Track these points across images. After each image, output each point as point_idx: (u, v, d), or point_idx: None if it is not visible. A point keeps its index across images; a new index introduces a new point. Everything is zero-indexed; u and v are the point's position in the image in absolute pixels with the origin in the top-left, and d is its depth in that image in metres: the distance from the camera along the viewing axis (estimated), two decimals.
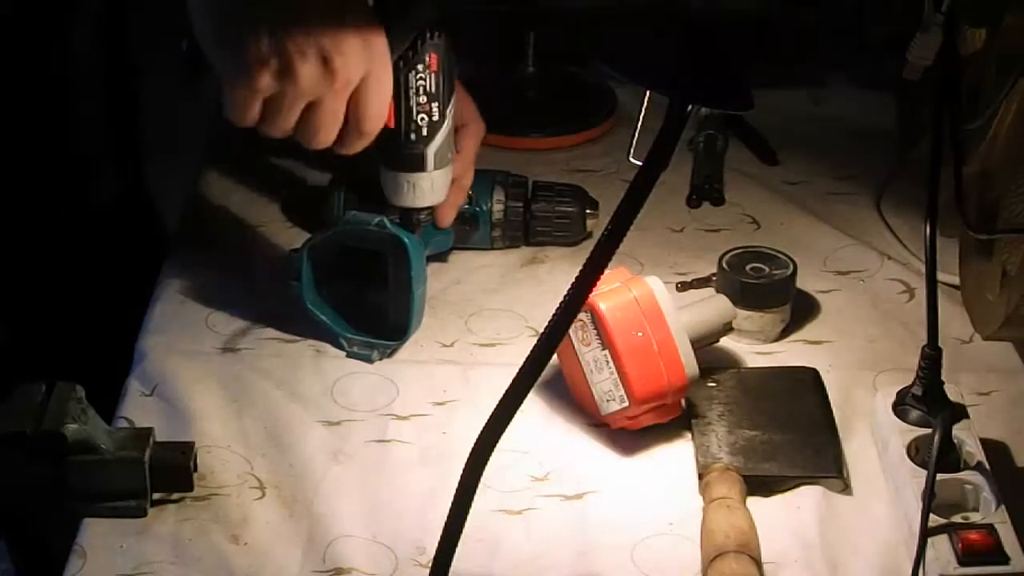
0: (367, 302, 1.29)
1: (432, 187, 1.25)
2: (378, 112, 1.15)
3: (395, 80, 1.17)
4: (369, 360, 1.28)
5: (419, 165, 1.23)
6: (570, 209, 1.41)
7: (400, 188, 1.25)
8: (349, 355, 1.29)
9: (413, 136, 1.22)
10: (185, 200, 1.49)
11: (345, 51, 1.11)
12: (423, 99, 1.21)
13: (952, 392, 1.16)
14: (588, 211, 1.41)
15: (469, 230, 1.39)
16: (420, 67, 1.21)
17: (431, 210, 1.28)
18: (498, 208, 1.39)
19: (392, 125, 1.21)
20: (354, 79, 1.12)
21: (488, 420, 0.91)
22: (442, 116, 1.23)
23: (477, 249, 1.41)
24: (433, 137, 1.23)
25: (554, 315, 0.90)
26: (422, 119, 1.21)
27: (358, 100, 1.14)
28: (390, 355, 1.29)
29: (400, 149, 1.23)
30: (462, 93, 1.29)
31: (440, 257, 1.39)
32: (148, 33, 1.53)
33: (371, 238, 1.26)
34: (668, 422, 1.20)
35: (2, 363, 1.52)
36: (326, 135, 1.15)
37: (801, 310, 1.33)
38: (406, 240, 1.25)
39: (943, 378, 1.15)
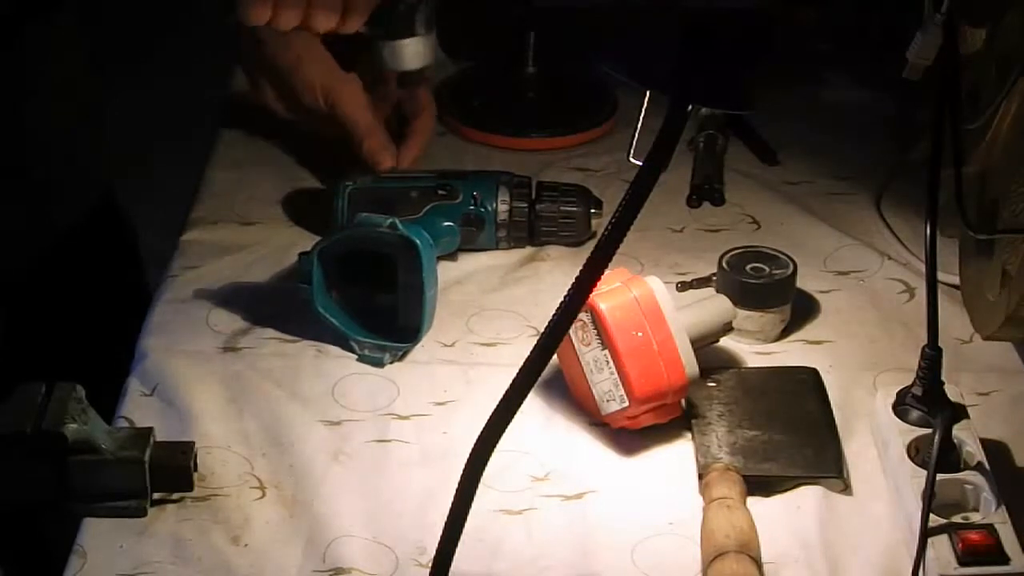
0: (377, 305, 1.29)
1: (424, 49, 1.35)
2: None
3: None
4: (380, 364, 1.27)
5: (411, 30, 1.34)
6: (575, 209, 1.41)
7: (397, 54, 1.34)
8: (360, 358, 1.28)
9: (402, 5, 1.33)
10: (187, 201, 1.50)
11: None
12: None
13: (952, 392, 1.16)
14: (592, 211, 1.41)
15: (475, 231, 1.39)
16: None
17: (423, 72, 1.37)
18: (503, 209, 1.39)
19: None
20: None
21: (488, 420, 0.91)
22: None
23: (482, 250, 1.41)
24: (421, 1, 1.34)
25: (554, 315, 0.90)
26: None
27: None
28: (401, 358, 1.28)
29: (392, 17, 1.33)
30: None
31: (441, 256, 1.39)
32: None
33: (382, 240, 1.26)
34: (668, 422, 1.20)
35: (2, 363, 1.52)
36: (329, 20, 1.28)
37: (801, 310, 1.33)
38: (417, 242, 1.25)
39: (943, 378, 1.15)
